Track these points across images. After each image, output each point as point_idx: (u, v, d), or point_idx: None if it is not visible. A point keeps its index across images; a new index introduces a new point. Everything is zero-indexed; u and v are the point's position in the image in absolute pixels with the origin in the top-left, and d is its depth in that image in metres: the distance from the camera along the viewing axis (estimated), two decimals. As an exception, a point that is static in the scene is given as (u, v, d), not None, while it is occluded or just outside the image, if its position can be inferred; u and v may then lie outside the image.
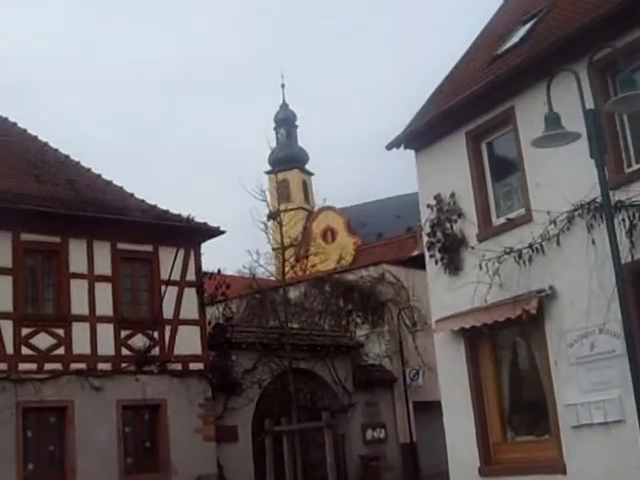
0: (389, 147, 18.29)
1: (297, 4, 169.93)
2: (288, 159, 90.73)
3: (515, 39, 16.64)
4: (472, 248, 16.27)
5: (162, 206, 24.02)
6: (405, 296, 28.98)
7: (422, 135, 17.90)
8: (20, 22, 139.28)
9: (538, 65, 14.30)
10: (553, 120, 10.98)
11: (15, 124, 25.09)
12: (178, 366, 22.50)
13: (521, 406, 16.28)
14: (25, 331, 20.18)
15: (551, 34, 14.89)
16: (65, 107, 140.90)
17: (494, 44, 17.85)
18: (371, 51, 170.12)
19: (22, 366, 19.91)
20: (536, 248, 14.71)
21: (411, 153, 18.30)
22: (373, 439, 27.88)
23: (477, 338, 16.40)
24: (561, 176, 14.22)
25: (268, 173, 72.01)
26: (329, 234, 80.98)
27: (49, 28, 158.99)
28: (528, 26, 16.63)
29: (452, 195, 16.91)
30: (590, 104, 11.17)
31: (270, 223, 25.29)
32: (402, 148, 18.32)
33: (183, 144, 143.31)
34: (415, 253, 28.35)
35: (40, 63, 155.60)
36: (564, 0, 16.04)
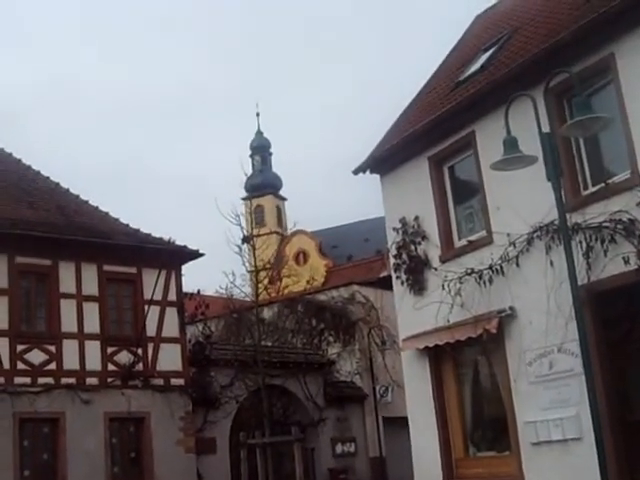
0: (355, 172, 18.61)
1: (268, 37, 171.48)
2: (263, 185, 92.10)
3: (476, 66, 17.04)
4: (435, 269, 16.64)
5: (144, 230, 25.18)
6: (375, 316, 29.78)
7: (386, 160, 18.16)
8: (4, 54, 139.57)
9: (497, 91, 14.55)
10: (511, 144, 11.15)
11: (11, 154, 26.19)
12: (160, 381, 23.59)
13: (483, 422, 16.57)
14: (20, 347, 21.30)
15: (510, 61, 15.19)
16: (53, 136, 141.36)
17: (456, 71, 18.28)
18: (342, 76, 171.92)
19: (18, 379, 21.03)
20: (496, 269, 14.96)
21: (377, 177, 18.69)
22: (343, 453, 28.60)
23: (441, 356, 16.72)
24: (520, 199, 14.40)
25: (244, 199, 73.23)
26: (301, 256, 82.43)
27: (34, 60, 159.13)
28: (489, 53, 17.04)
29: (416, 218, 17.29)
30: (546, 128, 11.42)
31: (244, 246, 26.36)
32: (368, 173, 18.63)
33: (163, 171, 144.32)
34: (383, 274, 29.21)
35: (27, 93, 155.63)
36: (524, 28, 16.47)
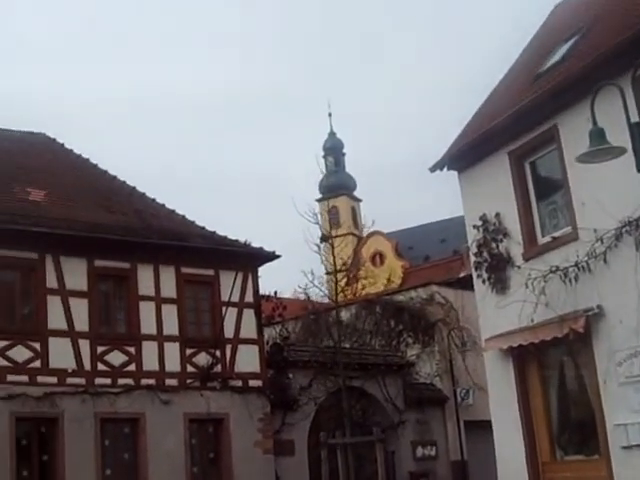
0: (432, 169, 18.25)
1: (339, 37, 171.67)
2: (337, 186, 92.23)
3: (557, 57, 16.58)
4: (518, 267, 16.26)
5: (221, 232, 25.24)
6: (454, 316, 29.37)
7: (464, 156, 17.85)
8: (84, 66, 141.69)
9: (581, 81, 14.09)
10: (597, 135, 10.80)
11: (88, 159, 26.63)
12: (239, 383, 23.63)
13: (570, 425, 16.11)
14: (100, 349, 21.58)
15: (592, 50, 14.68)
16: (125, 140, 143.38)
17: (535, 63, 17.82)
18: (417, 73, 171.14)
19: (98, 380, 21.30)
20: (582, 266, 14.50)
21: (454, 175, 18.41)
22: (423, 456, 28.18)
23: (525, 357, 16.43)
24: (607, 193, 13.95)
25: (319, 201, 73.59)
26: (378, 258, 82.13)
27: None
28: (569, 44, 16.53)
29: (497, 215, 16.97)
30: (635, 118, 11.09)
31: (323, 245, 26.28)
32: (445, 170, 18.31)
33: (232, 172, 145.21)
34: (462, 274, 28.76)
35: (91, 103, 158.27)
36: (605, 16, 16.05)
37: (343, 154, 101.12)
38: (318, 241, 25.61)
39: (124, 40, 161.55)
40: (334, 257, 24.64)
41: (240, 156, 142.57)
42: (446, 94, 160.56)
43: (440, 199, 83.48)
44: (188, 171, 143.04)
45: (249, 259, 24.93)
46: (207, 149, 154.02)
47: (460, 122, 19.35)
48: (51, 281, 21.36)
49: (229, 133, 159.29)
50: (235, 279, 24.00)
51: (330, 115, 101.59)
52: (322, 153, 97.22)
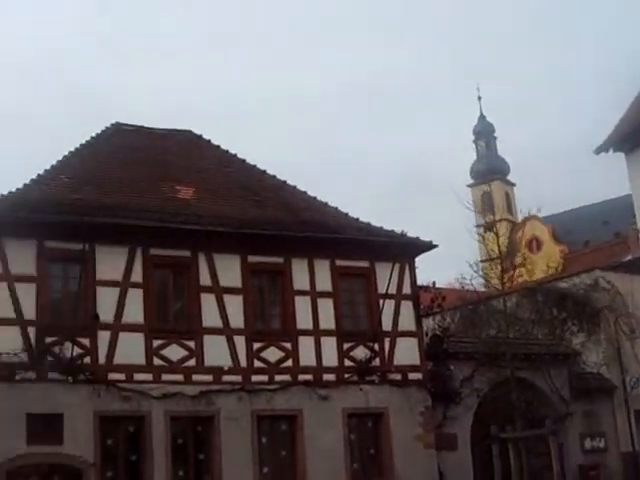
0: (597, 151, 17.87)
1: (487, 17, 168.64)
2: (489, 171, 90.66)
3: None
4: None
5: (375, 223, 24.78)
6: (621, 302, 28.28)
7: (632, 138, 17.45)
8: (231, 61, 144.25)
9: None
10: None
11: (235, 155, 26.57)
12: (398, 376, 23.14)
13: None
14: (256, 345, 21.52)
15: None
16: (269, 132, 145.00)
17: None
18: (567, 49, 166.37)
19: (255, 378, 21.27)
20: None
21: (620, 155, 17.95)
22: (592, 448, 27.29)
23: None
24: None
25: (471, 186, 72.56)
26: (534, 244, 79.89)
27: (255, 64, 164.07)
28: None
29: None
30: None
31: (475, 232, 25.62)
32: (611, 152, 17.91)
33: (379, 159, 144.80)
34: (629, 257, 27.47)
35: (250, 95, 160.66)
36: None
37: (494, 138, 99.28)
38: (473, 228, 24.98)
39: (271, 33, 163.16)
40: (499, 244, 24.11)
41: (381, 144, 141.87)
42: (608, 69, 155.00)
43: (600, 179, 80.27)
44: (331, 160, 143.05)
45: (406, 250, 24.34)
46: (350, 138, 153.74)
47: (619, 106, 18.90)
48: (204, 279, 21.43)
49: (373, 120, 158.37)
50: (392, 270, 23.41)
51: (480, 99, 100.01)
52: (472, 138, 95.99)
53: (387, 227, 24.62)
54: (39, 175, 22.22)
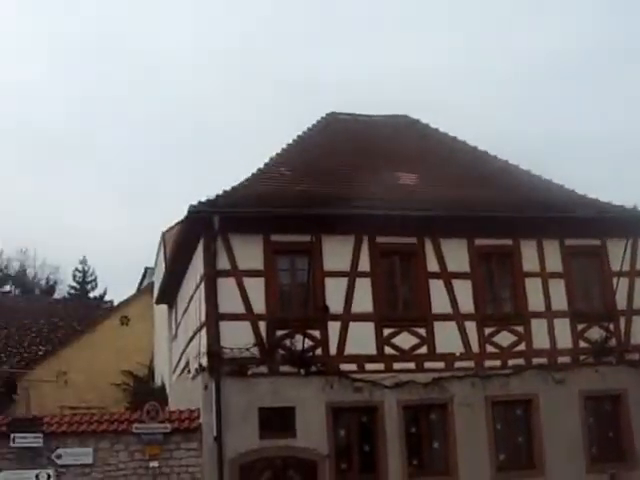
0: None
1: None
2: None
3: None
4: None
5: (603, 199, 24.09)
6: None
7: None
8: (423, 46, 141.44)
9: None
10: None
11: (455, 138, 26.50)
12: (635, 356, 22.50)
13: None
14: (488, 330, 21.48)
15: None
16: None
17: None
18: None
19: (488, 363, 21.25)
20: None
21: None
22: None
23: None
24: None
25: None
26: None
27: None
28: None
29: None
30: None
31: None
32: None
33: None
34: None
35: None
36: None
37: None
38: None
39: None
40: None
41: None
42: None
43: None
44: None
45: (638, 224, 23.47)
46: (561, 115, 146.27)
47: None
48: (432, 265, 21.53)
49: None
50: (626, 247, 22.65)
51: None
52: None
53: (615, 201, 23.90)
54: (259, 169, 22.76)
